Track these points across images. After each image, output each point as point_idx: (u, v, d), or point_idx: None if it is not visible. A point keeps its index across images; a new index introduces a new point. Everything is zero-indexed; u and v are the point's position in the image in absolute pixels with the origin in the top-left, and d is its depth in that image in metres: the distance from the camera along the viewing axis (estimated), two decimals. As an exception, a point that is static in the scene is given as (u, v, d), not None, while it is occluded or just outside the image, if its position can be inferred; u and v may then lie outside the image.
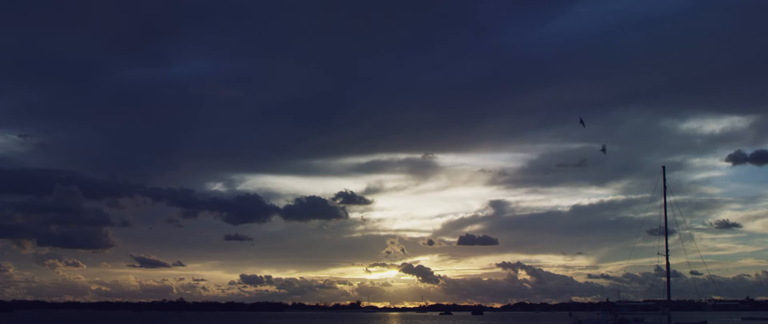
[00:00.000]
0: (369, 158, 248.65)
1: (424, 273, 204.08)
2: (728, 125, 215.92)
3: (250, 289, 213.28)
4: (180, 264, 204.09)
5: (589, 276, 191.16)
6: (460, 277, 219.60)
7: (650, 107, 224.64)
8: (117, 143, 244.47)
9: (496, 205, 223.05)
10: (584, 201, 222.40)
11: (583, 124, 61.77)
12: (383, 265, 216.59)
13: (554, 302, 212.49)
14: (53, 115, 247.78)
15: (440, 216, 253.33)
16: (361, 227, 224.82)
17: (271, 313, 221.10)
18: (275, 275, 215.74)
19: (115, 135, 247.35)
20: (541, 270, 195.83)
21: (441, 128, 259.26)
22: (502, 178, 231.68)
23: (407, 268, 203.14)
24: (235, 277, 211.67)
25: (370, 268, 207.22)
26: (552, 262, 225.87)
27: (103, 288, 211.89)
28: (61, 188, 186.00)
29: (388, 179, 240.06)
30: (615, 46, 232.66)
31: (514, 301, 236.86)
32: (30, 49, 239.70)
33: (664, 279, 53.17)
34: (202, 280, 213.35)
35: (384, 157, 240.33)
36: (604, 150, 61.68)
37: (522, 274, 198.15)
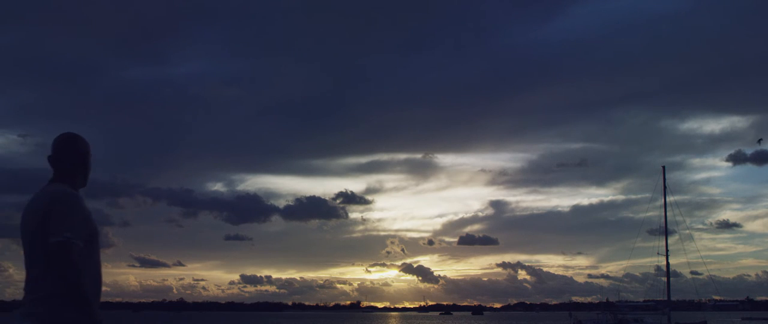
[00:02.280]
0: (369, 158, 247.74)
1: (424, 273, 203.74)
2: (728, 125, 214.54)
3: (250, 289, 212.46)
4: (180, 264, 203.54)
5: (589, 276, 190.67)
6: (460, 277, 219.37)
7: (650, 107, 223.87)
8: (117, 143, 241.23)
9: (496, 205, 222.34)
10: (584, 201, 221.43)
11: (760, 142, 61.59)
12: (383, 265, 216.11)
13: (554, 302, 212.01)
14: (53, 115, 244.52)
15: (440, 216, 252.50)
16: (361, 227, 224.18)
17: (271, 313, 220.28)
18: (275, 275, 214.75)
19: (115, 135, 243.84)
20: (541, 270, 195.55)
21: (441, 128, 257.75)
22: (502, 178, 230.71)
23: (407, 268, 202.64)
24: (235, 277, 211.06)
25: (370, 268, 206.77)
26: (552, 262, 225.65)
27: (104, 288, 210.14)
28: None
29: (388, 179, 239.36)
30: (615, 46, 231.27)
31: (514, 301, 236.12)
32: (30, 49, 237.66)
33: (664, 279, 53.10)
34: (202, 280, 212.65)
35: (384, 157, 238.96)
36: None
37: (522, 274, 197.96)
